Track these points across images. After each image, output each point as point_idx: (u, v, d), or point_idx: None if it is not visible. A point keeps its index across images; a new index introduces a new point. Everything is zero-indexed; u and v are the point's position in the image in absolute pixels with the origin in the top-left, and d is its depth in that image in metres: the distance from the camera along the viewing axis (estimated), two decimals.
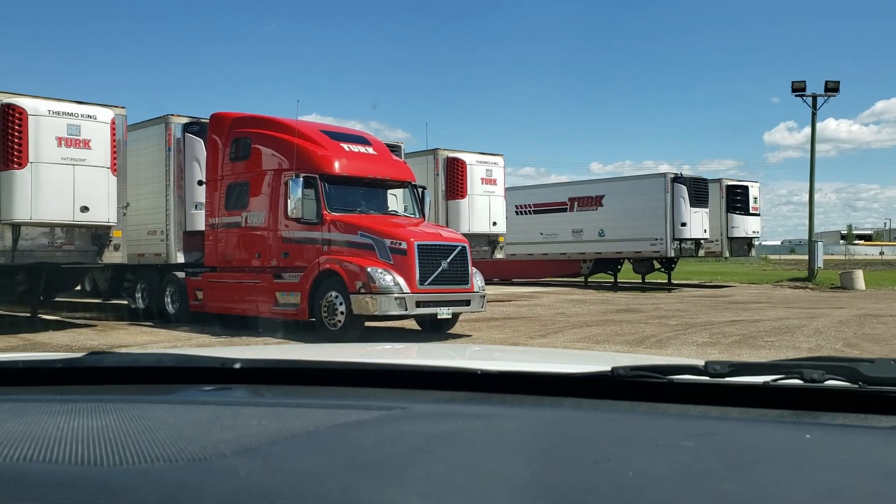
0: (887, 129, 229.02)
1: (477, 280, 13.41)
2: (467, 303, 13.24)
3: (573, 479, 0.94)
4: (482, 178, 21.29)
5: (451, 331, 13.67)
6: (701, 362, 1.32)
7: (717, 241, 30.13)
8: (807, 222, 34.96)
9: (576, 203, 30.47)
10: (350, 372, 1.54)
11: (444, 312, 12.86)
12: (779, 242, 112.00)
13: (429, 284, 12.59)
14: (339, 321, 12.44)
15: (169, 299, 15.73)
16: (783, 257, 74.98)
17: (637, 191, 28.62)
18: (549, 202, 31.33)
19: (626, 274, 32.02)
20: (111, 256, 13.65)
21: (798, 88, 33.27)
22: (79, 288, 18.73)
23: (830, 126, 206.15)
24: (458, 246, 13.20)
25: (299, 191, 12.87)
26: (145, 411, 1.27)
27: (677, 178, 27.87)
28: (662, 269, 30.67)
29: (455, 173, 20.96)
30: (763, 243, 74.47)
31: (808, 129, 34.37)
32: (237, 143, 14.37)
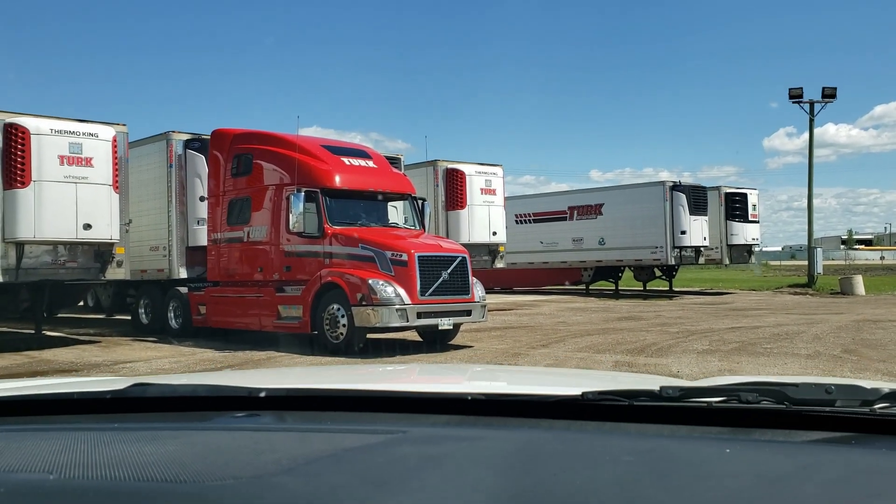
0: (886, 134, 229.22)
1: (477, 290, 13.51)
2: (468, 313, 13.33)
3: (532, 489, 1.17)
4: (481, 189, 21.44)
5: (453, 342, 13.74)
6: (657, 387, 1.52)
7: (716, 248, 30.19)
8: (807, 228, 35.07)
9: (575, 212, 30.60)
10: (360, 399, 1.77)
11: (445, 323, 12.95)
12: (780, 248, 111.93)
13: (430, 295, 12.68)
14: (342, 334, 12.53)
15: (172, 314, 15.83)
16: (784, 263, 74.95)
17: (636, 199, 28.76)
18: (548, 211, 31.46)
19: (628, 282, 32.12)
20: (114, 273, 13.75)
21: (795, 95, 33.44)
22: (82, 304, 18.86)
23: (830, 131, 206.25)
24: (458, 256, 13.30)
25: (301, 205, 12.99)
26: (193, 437, 1.49)
27: (676, 187, 27.98)
28: (663, 277, 30.76)
29: (454, 184, 21.11)
30: (764, 249, 74.55)
31: (807, 135, 34.59)
32: (238, 158, 14.49)
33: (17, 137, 12.47)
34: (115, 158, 13.46)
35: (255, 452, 1.38)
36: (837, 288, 30.54)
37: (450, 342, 13.67)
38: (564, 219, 30.86)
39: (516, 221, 30.53)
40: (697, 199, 28.25)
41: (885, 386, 1.52)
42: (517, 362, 11.68)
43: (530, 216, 31.76)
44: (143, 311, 16.74)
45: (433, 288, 12.71)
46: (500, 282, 30.42)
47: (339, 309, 12.59)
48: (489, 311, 14.55)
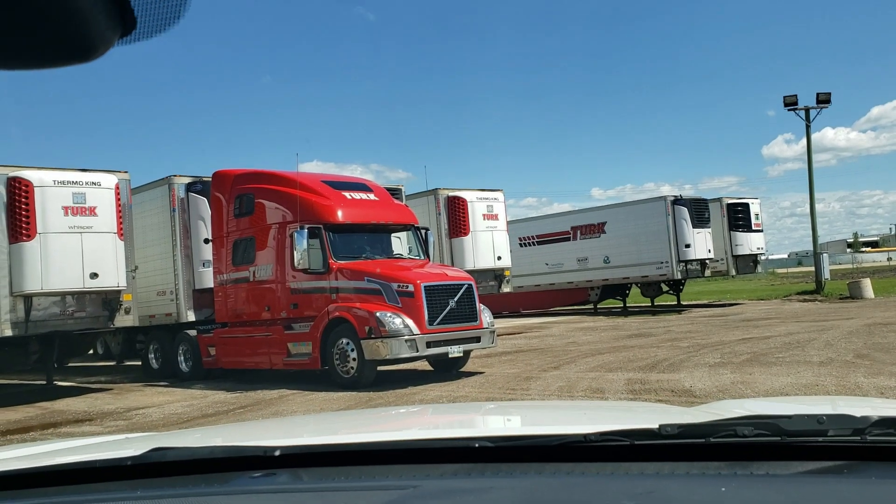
0: (885, 135, 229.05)
1: (485, 316, 13.52)
2: (477, 339, 13.33)
3: None
4: (484, 214, 21.53)
5: (464, 368, 13.72)
6: (656, 425, 1.58)
7: (722, 259, 30.15)
8: (811, 234, 34.98)
9: (578, 231, 30.63)
10: (372, 452, 1.84)
11: (454, 351, 12.94)
12: (786, 255, 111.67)
13: (438, 324, 12.69)
14: (352, 368, 12.53)
15: (182, 357, 15.84)
16: (791, 270, 74.78)
17: (638, 215, 28.78)
18: (551, 232, 31.49)
19: (635, 298, 32.05)
20: (122, 320, 13.80)
21: (790, 102, 33.57)
22: (92, 352, 18.88)
23: (828, 135, 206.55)
24: (464, 284, 13.32)
25: (304, 241, 13.05)
26: (214, 502, 1.55)
27: (677, 201, 28.01)
28: (671, 292, 30.72)
29: (456, 211, 21.20)
30: (770, 257, 74.38)
31: (805, 141, 34.63)
32: (240, 199, 14.58)
33: (20, 191, 12.59)
34: (119, 206, 13.56)
35: None
36: (846, 292, 30.44)
37: (461, 369, 13.65)
38: (568, 239, 30.88)
39: (520, 244, 30.56)
40: (699, 211, 28.26)
41: (875, 413, 1.59)
42: (529, 386, 11.65)
43: (534, 238, 31.80)
44: (152, 355, 16.76)
45: (441, 317, 12.72)
46: (507, 306, 30.39)
47: (348, 343, 12.61)
48: (498, 335, 14.53)
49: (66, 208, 12.89)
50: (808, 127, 33.82)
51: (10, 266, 12.54)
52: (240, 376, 14.47)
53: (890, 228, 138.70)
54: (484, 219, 21.44)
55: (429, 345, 12.57)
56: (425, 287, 12.72)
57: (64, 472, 1.79)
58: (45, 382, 14.93)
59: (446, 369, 13.50)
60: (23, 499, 1.62)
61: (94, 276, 13.04)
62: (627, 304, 31.37)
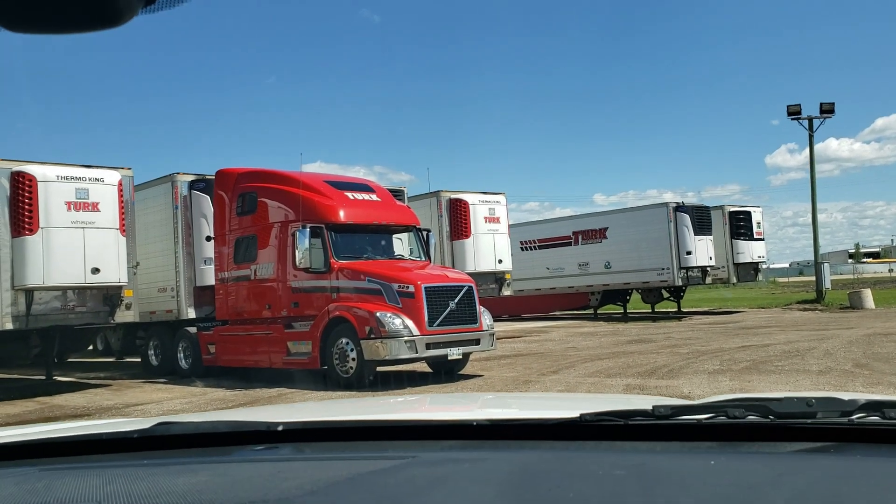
0: (889, 146, 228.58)
1: (485, 319, 13.53)
2: (477, 342, 13.34)
3: (529, 502, 1.30)
4: (485, 217, 21.54)
5: (463, 371, 13.72)
6: (649, 406, 1.61)
7: (723, 267, 30.15)
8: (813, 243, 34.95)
9: (580, 236, 30.63)
10: (373, 429, 1.88)
11: (454, 353, 12.94)
12: (787, 265, 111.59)
13: (438, 326, 12.70)
14: (352, 368, 12.54)
15: (182, 355, 15.86)
16: (792, 279, 74.73)
17: (640, 221, 28.79)
18: (553, 237, 31.49)
19: (636, 304, 32.06)
20: (123, 316, 13.83)
21: (794, 112, 33.53)
22: (91, 348, 18.91)
23: (832, 146, 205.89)
24: (464, 286, 13.33)
25: (306, 241, 13.06)
26: (220, 468, 1.60)
27: (679, 207, 28.01)
28: (671, 298, 30.71)
29: (458, 214, 21.21)
30: (771, 266, 74.34)
31: (808, 151, 34.61)
32: (243, 197, 14.61)
33: (24, 185, 12.62)
34: (122, 202, 13.59)
35: (279, 479, 1.48)
36: (846, 302, 30.44)
37: (460, 372, 13.65)
38: (569, 244, 30.88)
39: (521, 248, 30.57)
40: (701, 219, 28.26)
41: (862, 397, 1.60)
42: (527, 390, 11.66)
43: (535, 243, 31.79)
44: (152, 352, 16.78)
45: (441, 318, 12.73)
46: (507, 309, 30.39)
47: (348, 343, 12.62)
48: (498, 339, 14.54)
49: (69, 203, 12.92)
50: (811, 137, 33.82)
51: (13, 260, 12.57)
52: (239, 374, 14.49)
53: (892, 239, 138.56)
54: (485, 222, 21.46)
55: (428, 346, 12.58)
56: (426, 288, 12.73)
57: (71, 443, 1.82)
58: (44, 377, 14.95)
59: (445, 372, 13.50)
60: (31, 466, 1.66)
61: (95, 271, 13.07)
62: (628, 310, 31.37)
